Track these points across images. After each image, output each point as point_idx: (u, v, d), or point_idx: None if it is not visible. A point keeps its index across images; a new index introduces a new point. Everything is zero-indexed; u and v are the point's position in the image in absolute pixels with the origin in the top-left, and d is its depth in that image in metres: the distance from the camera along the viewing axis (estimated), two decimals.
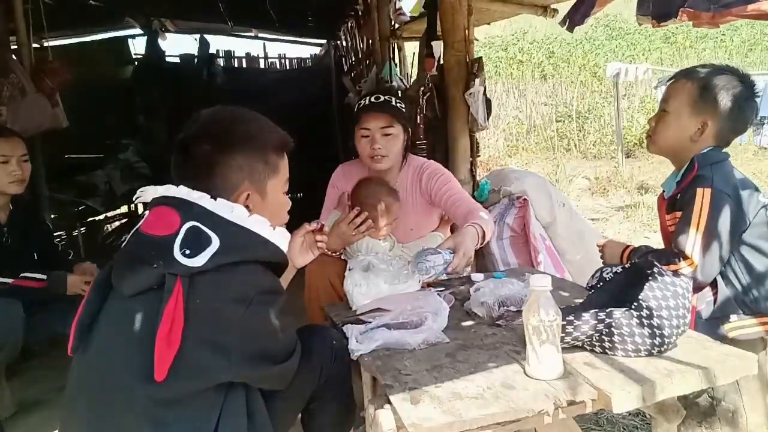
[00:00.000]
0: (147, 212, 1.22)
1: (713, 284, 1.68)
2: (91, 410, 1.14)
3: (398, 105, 2.21)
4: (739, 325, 1.62)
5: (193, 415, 1.12)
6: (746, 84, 1.72)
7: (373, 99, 2.20)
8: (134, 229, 1.22)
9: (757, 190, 1.71)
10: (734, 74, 1.73)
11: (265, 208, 1.29)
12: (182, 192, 1.20)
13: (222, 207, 1.18)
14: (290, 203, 1.42)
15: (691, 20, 1.98)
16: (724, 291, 1.65)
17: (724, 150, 1.77)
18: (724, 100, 1.70)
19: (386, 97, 2.21)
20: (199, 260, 1.10)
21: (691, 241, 1.62)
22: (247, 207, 1.24)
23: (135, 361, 1.09)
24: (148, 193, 1.26)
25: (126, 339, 1.12)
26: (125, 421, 1.10)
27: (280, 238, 1.24)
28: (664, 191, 1.88)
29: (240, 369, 1.14)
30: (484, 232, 1.93)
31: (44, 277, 2.24)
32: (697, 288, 1.65)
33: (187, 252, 1.10)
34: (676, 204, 1.76)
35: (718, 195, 1.62)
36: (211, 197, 1.19)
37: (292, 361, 1.25)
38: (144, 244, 1.17)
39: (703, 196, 1.63)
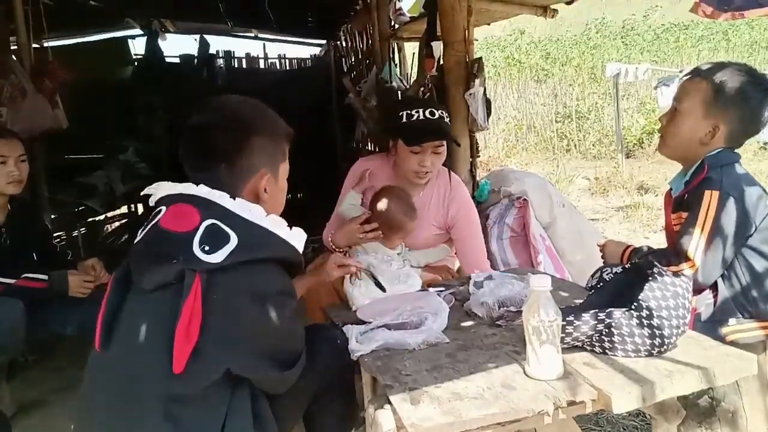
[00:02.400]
0: (163, 208, 1.24)
1: (713, 287, 1.67)
2: (109, 404, 1.17)
3: (448, 122, 2.16)
4: (738, 328, 1.62)
5: (204, 413, 1.14)
6: (762, 86, 1.68)
7: (428, 114, 2.08)
8: (152, 223, 1.23)
9: (766, 193, 1.67)
10: (750, 75, 1.69)
11: (278, 190, 1.37)
12: (202, 191, 1.23)
13: (241, 207, 1.22)
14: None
15: (710, 16, 1.95)
16: (724, 293, 1.65)
17: (736, 151, 1.74)
18: (738, 103, 1.66)
19: (440, 113, 2.11)
20: (218, 257, 1.13)
21: (694, 243, 1.61)
22: (265, 190, 1.31)
23: (153, 354, 1.13)
24: (164, 188, 1.28)
25: (145, 333, 1.15)
26: (141, 416, 1.12)
27: (296, 238, 1.26)
28: (671, 189, 1.86)
29: (245, 364, 1.17)
30: None
31: (46, 277, 2.23)
32: (697, 290, 1.64)
33: (206, 248, 1.13)
34: (682, 204, 1.74)
35: (726, 198, 1.60)
36: (230, 197, 1.22)
37: (296, 368, 1.26)
38: (164, 240, 1.19)
39: (710, 199, 1.61)
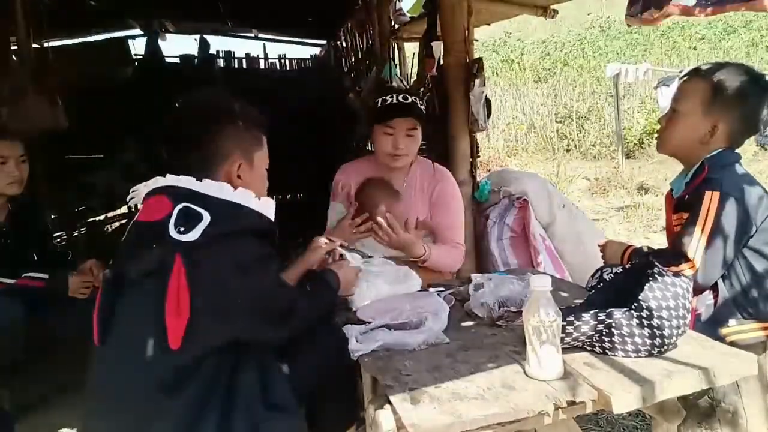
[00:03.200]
0: (141, 206, 1.32)
1: (714, 287, 1.67)
2: (115, 394, 1.22)
3: (421, 107, 2.24)
4: (738, 329, 1.62)
5: (206, 382, 1.19)
6: (760, 85, 1.68)
7: (400, 98, 2.19)
8: (132, 222, 1.32)
9: (766, 193, 1.67)
10: (749, 74, 1.69)
11: (254, 177, 1.41)
12: (169, 180, 1.29)
13: (208, 186, 1.27)
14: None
15: (682, 15, 1.96)
16: (725, 294, 1.64)
17: (736, 151, 1.74)
18: (737, 102, 1.66)
19: (413, 99, 2.22)
20: (193, 234, 1.18)
21: (694, 244, 1.61)
22: (239, 176, 1.35)
23: (150, 337, 1.17)
24: (141, 191, 1.35)
25: (139, 320, 1.20)
26: (144, 397, 1.17)
27: (265, 207, 1.33)
28: (672, 189, 1.86)
29: (243, 327, 1.24)
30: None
31: (46, 277, 2.24)
32: (698, 291, 1.64)
33: (182, 229, 1.19)
34: (683, 205, 1.73)
35: (726, 199, 1.59)
36: (197, 179, 1.28)
37: (293, 320, 1.34)
38: (141, 231, 1.27)
39: (711, 200, 1.60)
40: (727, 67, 1.71)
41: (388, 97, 2.21)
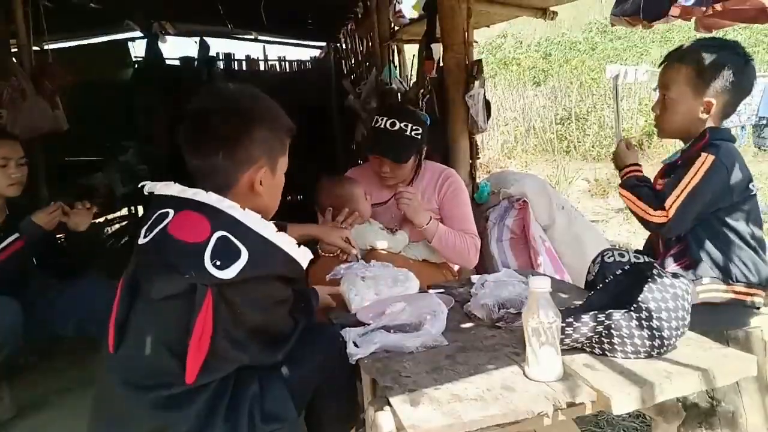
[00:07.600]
0: (171, 212, 1.23)
1: (685, 251, 1.75)
2: (122, 405, 1.21)
3: (413, 134, 2.13)
4: (712, 288, 1.69)
5: (213, 388, 1.21)
6: (740, 54, 1.74)
7: (388, 125, 2.11)
8: (159, 227, 1.23)
9: (751, 180, 1.74)
10: (725, 47, 1.74)
11: (273, 184, 1.37)
12: (212, 198, 1.22)
13: (250, 218, 1.22)
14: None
15: (681, 16, 1.97)
16: (697, 257, 1.72)
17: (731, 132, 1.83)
18: (723, 76, 1.71)
19: (402, 125, 2.11)
20: (229, 273, 1.15)
21: (674, 195, 1.67)
22: (260, 183, 1.31)
23: (163, 362, 1.18)
24: (172, 189, 1.27)
25: (153, 340, 1.19)
26: (153, 407, 1.18)
27: (303, 256, 1.28)
28: (664, 166, 1.91)
29: (255, 357, 1.26)
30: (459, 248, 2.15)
31: (17, 235, 2.19)
32: (659, 236, 1.73)
33: (218, 263, 1.15)
34: (675, 168, 1.79)
35: (718, 165, 1.65)
36: (241, 207, 1.22)
37: (286, 347, 1.35)
38: (174, 250, 1.19)
39: (704, 160, 1.66)
40: (701, 46, 1.77)
41: (380, 120, 2.14)
